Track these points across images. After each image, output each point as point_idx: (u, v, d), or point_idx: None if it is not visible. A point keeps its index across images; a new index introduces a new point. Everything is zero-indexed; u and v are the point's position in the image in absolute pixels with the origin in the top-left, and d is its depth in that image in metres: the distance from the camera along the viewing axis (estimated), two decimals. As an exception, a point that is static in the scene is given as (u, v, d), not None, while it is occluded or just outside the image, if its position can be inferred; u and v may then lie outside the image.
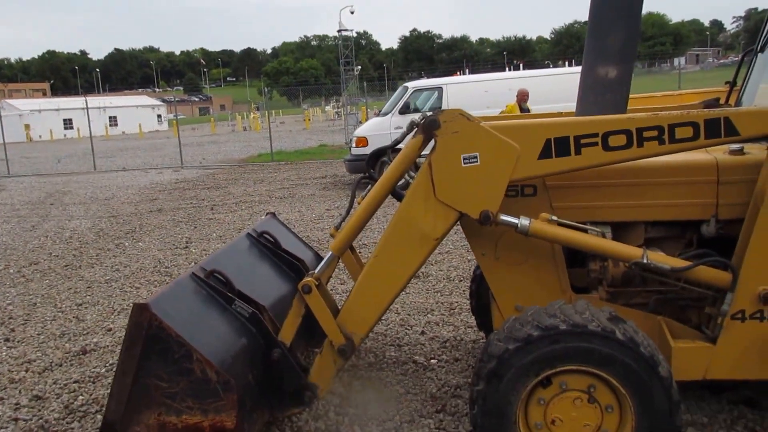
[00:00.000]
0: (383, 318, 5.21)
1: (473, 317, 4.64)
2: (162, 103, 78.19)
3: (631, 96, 3.46)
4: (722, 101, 4.01)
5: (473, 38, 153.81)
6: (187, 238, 9.59)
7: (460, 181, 2.99)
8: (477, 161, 2.97)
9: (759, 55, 3.83)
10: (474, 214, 3.00)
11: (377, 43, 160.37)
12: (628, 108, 3.46)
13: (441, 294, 5.99)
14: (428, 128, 3.04)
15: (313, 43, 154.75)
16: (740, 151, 3.19)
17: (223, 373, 2.79)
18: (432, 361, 4.44)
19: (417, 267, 3.15)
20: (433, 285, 6.28)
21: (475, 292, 4.47)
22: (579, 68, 3.50)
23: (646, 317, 3.24)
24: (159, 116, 73.18)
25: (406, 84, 15.37)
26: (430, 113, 3.08)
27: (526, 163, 2.97)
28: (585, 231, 3.07)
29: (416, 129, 3.15)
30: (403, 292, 5.87)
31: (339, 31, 29.43)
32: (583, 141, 2.93)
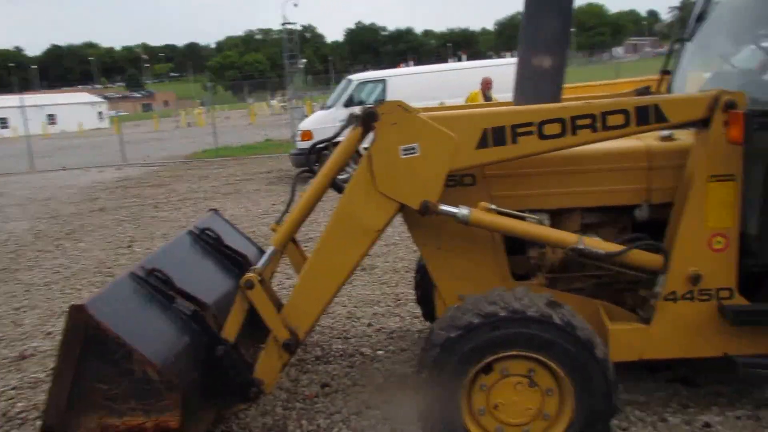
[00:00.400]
0: (330, 311, 5.21)
1: (419, 307, 4.68)
2: (103, 100, 75.97)
3: (571, 85, 3.56)
4: (654, 89, 4.13)
5: (418, 30, 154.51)
6: (130, 238, 9.36)
7: (400, 172, 3.01)
8: (416, 152, 3.00)
9: (688, 43, 3.96)
10: (414, 204, 3.03)
11: (322, 36, 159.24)
12: (565, 97, 3.54)
13: (387, 285, 6.01)
14: (367, 120, 3.05)
15: (258, 36, 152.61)
16: (670, 138, 3.30)
17: (165, 373, 2.74)
18: (379, 352, 4.46)
19: (359, 259, 3.15)
20: (379, 277, 6.30)
21: (420, 283, 4.50)
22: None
23: (584, 301, 3.33)
24: (100, 113, 71.01)
25: (349, 77, 15.31)
26: (370, 105, 3.09)
27: (464, 153, 3.01)
28: (523, 219, 3.13)
29: (355, 121, 3.16)
30: (350, 285, 5.90)
31: (283, 24, 29.11)
32: (519, 130, 2.99)
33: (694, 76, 3.84)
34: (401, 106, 3.02)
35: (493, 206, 3.12)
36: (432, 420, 2.86)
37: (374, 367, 4.22)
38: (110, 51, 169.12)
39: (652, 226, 3.28)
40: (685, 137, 3.24)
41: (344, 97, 14.22)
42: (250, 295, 3.09)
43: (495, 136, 2.99)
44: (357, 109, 3.23)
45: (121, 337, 2.71)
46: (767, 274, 3.20)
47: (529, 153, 3.06)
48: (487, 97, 12.23)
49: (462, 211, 3.04)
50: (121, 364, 2.75)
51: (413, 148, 3.00)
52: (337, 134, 3.48)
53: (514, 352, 2.75)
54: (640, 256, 3.07)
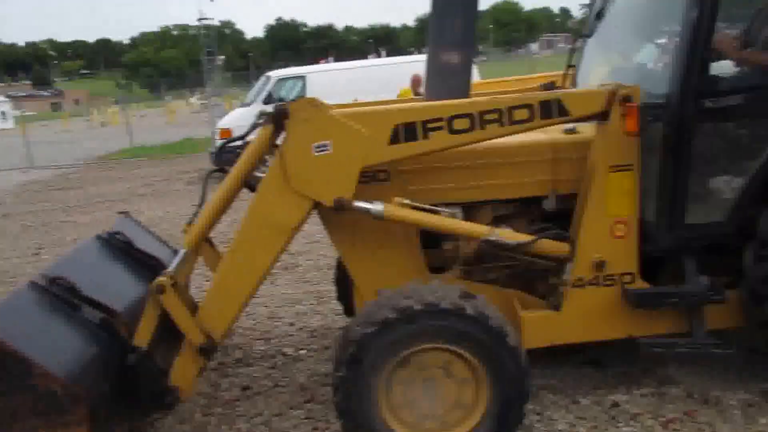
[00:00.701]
0: (251, 312, 5.14)
1: (341, 304, 4.67)
2: (6, 99, 71.76)
3: (487, 80, 3.62)
4: (559, 84, 4.27)
5: (339, 26, 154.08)
6: (37, 245, 8.91)
7: (313, 170, 3.00)
8: (328, 149, 2.99)
9: (588, 39, 4.11)
10: (328, 201, 3.03)
11: (242, 32, 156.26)
12: (478, 92, 3.61)
13: (310, 283, 5.98)
14: (278, 118, 3.03)
15: (174, 32, 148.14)
16: (573, 131, 3.42)
17: (69, 386, 2.62)
18: (301, 351, 4.43)
19: (274, 258, 3.13)
20: (301, 275, 6.26)
21: (340, 279, 4.49)
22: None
23: (498, 291, 3.42)
24: (3, 113, 66.99)
25: (268, 73, 15.11)
26: (281, 103, 3.07)
27: (376, 150, 3.03)
28: (437, 213, 3.18)
29: (267, 119, 3.13)
30: (272, 284, 5.84)
31: (199, 19, 28.47)
32: (429, 125, 3.03)
33: (596, 72, 3.99)
34: (312, 104, 3.02)
35: (407, 201, 3.16)
36: (352, 417, 2.87)
37: (296, 367, 4.20)
38: (11, 47, 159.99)
39: (560, 216, 3.39)
40: (587, 130, 3.36)
41: (263, 94, 14.00)
42: (161, 300, 3.01)
43: (406, 131, 3.03)
44: (268, 107, 3.20)
45: (19, 351, 2.57)
46: (665, 258, 3.39)
47: (441, 148, 3.11)
48: (418, 95, 12.25)
49: (376, 206, 3.07)
50: (21, 379, 2.60)
51: (325, 146, 3.00)
52: (249, 132, 3.42)
53: (430, 345, 2.79)
54: (548, 245, 3.18)
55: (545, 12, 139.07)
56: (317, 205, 3.12)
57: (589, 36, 4.07)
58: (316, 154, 2.99)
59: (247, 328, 4.94)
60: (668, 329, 3.27)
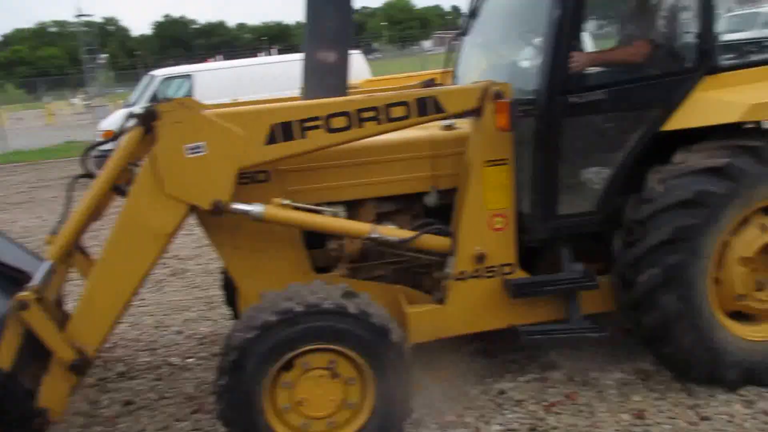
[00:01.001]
0: (135, 322, 4.93)
1: (230, 309, 4.55)
2: None
3: (378, 78, 3.60)
4: (439, 81, 4.34)
5: (231, 23, 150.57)
6: None
7: (187, 173, 2.90)
8: (202, 151, 2.90)
9: (465, 38, 4.21)
10: (205, 205, 2.94)
11: (127, 29, 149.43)
12: (363, 89, 3.59)
13: (199, 289, 5.79)
14: (146, 119, 2.90)
15: (52, 29, 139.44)
16: (451, 127, 3.49)
17: None
18: (188, 360, 4.27)
19: (149, 266, 3.00)
20: (190, 280, 6.04)
21: (227, 283, 4.37)
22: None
23: (384, 288, 3.43)
24: None
25: (152, 72, 14.53)
26: (149, 104, 2.94)
27: (253, 150, 2.97)
28: (319, 212, 3.15)
29: (135, 121, 2.98)
30: (159, 291, 5.61)
31: (78, 16, 26.97)
32: (306, 125, 3.00)
33: (473, 69, 4.09)
34: (183, 104, 2.91)
35: (287, 201, 3.11)
36: (237, 425, 2.80)
37: (183, 377, 4.04)
38: None
39: (442, 211, 3.45)
40: (464, 126, 3.43)
41: (148, 94, 13.42)
42: (24, 317, 2.80)
43: (283, 131, 2.98)
44: (137, 108, 3.05)
45: None
46: (542, 247, 3.52)
47: (319, 147, 3.08)
48: None
49: (255, 208, 3.00)
50: None
51: (199, 147, 2.90)
52: (118, 135, 3.25)
53: (313, 346, 2.76)
54: (430, 240, 3.22)
55: (437, 10, 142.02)
56: (194, 209, 3.01)
57: (464, 34, 4.16)
58: (190, 155, 2.89)
59: (131, 339, 4.71)
60: (547, 316, 3.40)
